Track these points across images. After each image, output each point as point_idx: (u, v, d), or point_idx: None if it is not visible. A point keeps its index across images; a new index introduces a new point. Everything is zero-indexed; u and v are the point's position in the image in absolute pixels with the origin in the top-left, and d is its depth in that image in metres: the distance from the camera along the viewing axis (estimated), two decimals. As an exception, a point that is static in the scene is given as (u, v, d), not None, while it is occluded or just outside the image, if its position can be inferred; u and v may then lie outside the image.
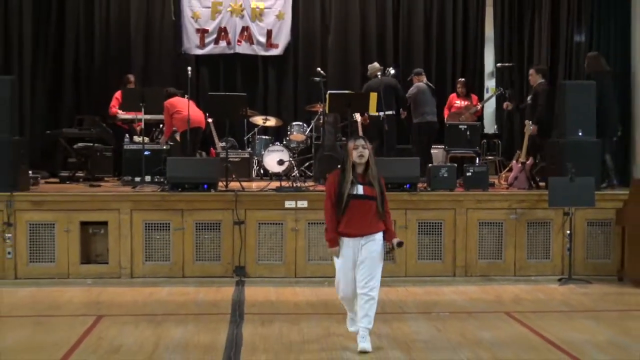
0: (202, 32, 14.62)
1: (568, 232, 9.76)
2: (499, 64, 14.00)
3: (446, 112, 13.73)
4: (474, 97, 13.80)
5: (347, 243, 6.51)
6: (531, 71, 12.55)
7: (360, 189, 6.46)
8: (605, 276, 9.97)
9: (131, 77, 13.23)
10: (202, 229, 9.84)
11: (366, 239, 6.51)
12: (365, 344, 6.54)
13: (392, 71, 13.23)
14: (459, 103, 13.55)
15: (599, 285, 9.60)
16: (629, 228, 9.70)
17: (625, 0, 11.64)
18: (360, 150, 6.43)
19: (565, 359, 6.49)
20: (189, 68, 12.02)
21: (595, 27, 11.69)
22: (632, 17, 11.62)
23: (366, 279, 6.48)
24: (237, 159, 12.42)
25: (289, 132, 12.82)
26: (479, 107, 13.39)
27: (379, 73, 12.58)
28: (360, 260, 6.51)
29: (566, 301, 8.79)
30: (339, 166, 6.70)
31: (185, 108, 11.45)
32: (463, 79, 13.97)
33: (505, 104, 12.47)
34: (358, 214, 6.47)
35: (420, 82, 12.85)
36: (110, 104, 13.08)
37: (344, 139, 12.40)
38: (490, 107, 14.70)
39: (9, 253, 9.63)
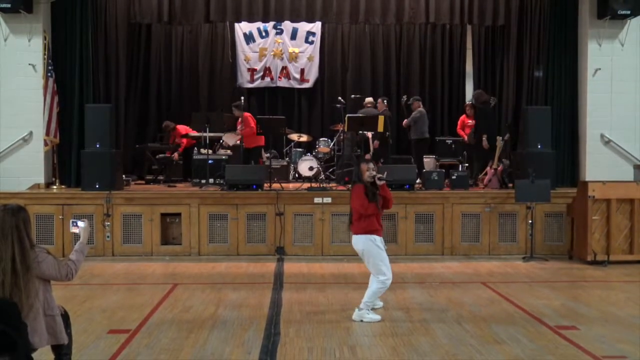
0: (252, 71, 14.64)
1: (530, 221, 9.68)
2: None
3: (461, 132, 12.87)
4: None
5: (379, 239, 6.36)
6: (379, 100, 12.52)
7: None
8: (559, 255, 9.88)
9: (170, 124, 12.91)
10: (251, 219, 9.86)
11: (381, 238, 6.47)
12: (379, 302, 6.73)
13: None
14: (471, 122, 12.58)
15: (554, 262, 9.52)
16: (576, 218, 9.60)
17: (573, 45, 11.53)
18: (370, 172, 6.39)
19: (527, 318, 6.44)
20: (242, 97, 12.06)
21: (550, 65, 11.57)
22: (578, 57, 11.52)
23: None
24: (278, 166, 12.40)
25: (317, 146, 12.80)
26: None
27: (369, 105, 12.65)
28: None
29: (528, 274, 8.73)
30: (356, 180, 6.55)
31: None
32: (468, 102, 13.16)
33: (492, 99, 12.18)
34: (378, 217, 6.44)
35: (421, 108, 12.77)
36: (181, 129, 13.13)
37: (358, 150, 12.38)
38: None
39: (107, 236, 9.73)
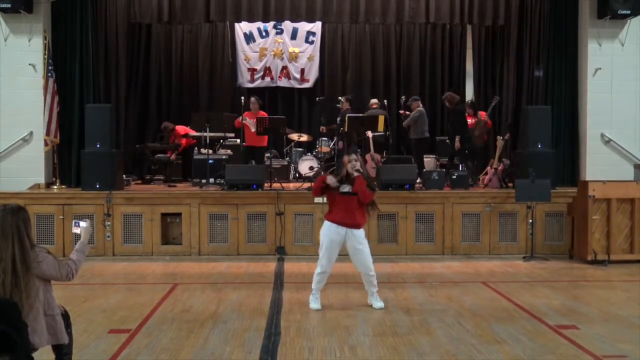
0: (252, 71, 14.65)
1: (530, 221, 9.67)
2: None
3: None
4: (482, 113, 12.38)
5: (335, 229, 6.48)
6: (342, 99, 12.48)
7: (347, 188, 6.47)
8: (559, 255, 9.88)
9: (169, 125, 12.96)
10: (252, 219, 9.86)
11: (351, 231, 6.48)
12: (380, 303, 6.72)
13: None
14: (470, 121, 12.19)
15: (554, 261, 9.51)
16: (577, 218, 9.60)
17: (573, 45, 11.54)
18: (353, 163, 6.46)
19: (528, 317, 6.44)
20: (242, 97, 12.07)
21: (550, 65, 11.58)
22: (578, 57, 11.53)
23: (364, 264, 6.58)
24: (278, 166, 12.41)
25: (317, 145, 12.81)
26: (487, 120, 12.10)
27: (375, 105, 12.70)
28: (353, 252, 6.54)
29: (529, 274, 8.72)
30: (332, 170, 6.70)
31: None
32: (468, 100, 12.98)
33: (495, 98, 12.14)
34: (344, 207, 6.47)
35: (420, 107, 12.72)
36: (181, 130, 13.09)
37: (359, 150, 12.37)
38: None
39: (108, 236, 9.73)
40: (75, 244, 4.58)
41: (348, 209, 6.46)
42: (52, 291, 4.32)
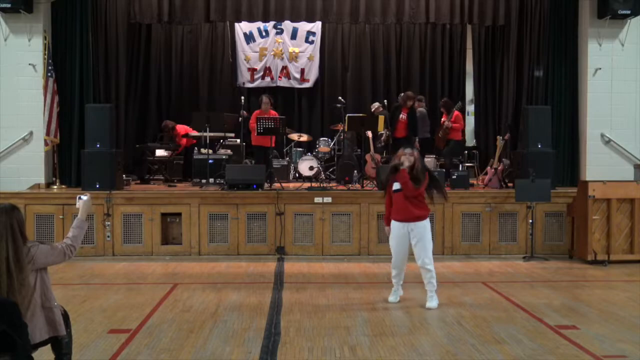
0: (252, 71, 14.65)
1: (530, 221, 9.67)
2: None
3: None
4: (456, 113, 11.89)
5: (397, 226, 6.66)
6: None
7: (397, 186, 6.61)
8: (559, 255, 9.88)
9: (169, 123, 12.92)
10: (252, 219, 9.86)
11: (410, 225, 6.60)
12: (434, 302, 6.77)
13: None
14: (443, 120, 12.05)
15: (554, 261, 9.51)
16: (576, 218, 9.60)
17: (573, 45, 11.53)
18: (407, 157, 6.58)
19: (528, 317, 6.43)
20: (242, 97, 12.07)
21: (550, 65, 11.58)
22: (578, 57, 11.52)
23: (419, 256, 6.69)
24: (278, 166, 12.40)
25: (317, 145, 12.80)
26: (447, 124, 11.64)
27: (381, 108, 12.64)
28: (413, 244, 6.65)
29: (529, 274, 8.72)
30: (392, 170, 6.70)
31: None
32: (442, 100, 12.47)
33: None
34: (400, 204, 6.61)
35: (422, 108, 12.70)
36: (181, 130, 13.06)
37: (358, 150, 12.39)
38: (469, 125, 14.52)
39: (108, 236, 9.72)
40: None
41: (402, 205, 6.59)
42: (49, 280, 4.28)
